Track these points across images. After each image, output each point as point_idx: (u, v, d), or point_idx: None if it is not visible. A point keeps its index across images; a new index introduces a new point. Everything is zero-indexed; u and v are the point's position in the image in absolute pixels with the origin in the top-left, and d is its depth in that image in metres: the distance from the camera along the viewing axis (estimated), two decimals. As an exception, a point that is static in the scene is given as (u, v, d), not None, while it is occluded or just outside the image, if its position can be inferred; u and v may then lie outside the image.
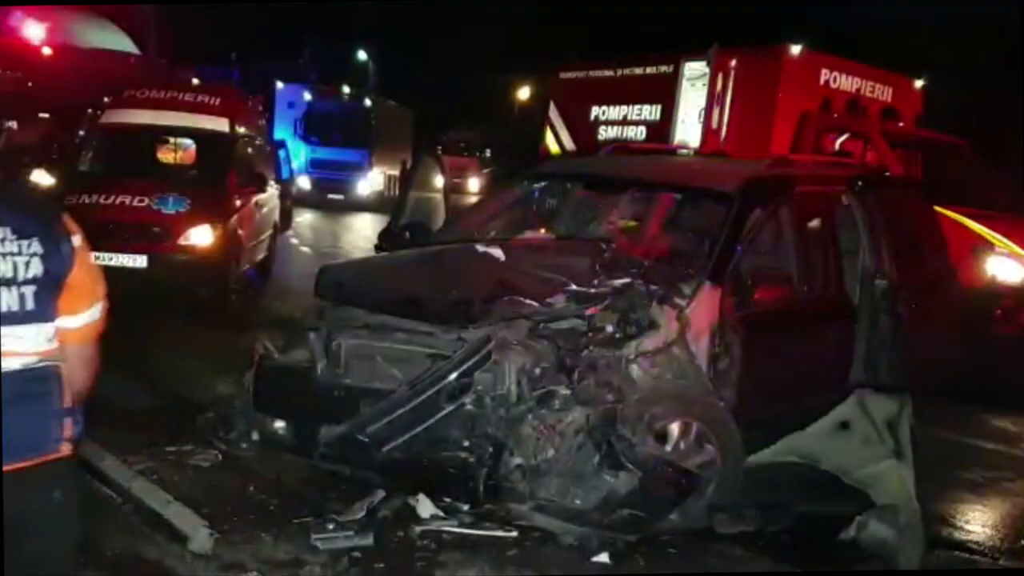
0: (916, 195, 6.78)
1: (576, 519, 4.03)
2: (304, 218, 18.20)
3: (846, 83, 10.28)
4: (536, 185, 6.20)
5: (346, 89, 26.15)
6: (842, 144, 9.50)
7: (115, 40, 15.99)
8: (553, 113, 12.59)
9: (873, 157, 9.01)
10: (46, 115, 13.38)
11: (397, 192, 23.85)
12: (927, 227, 6.52)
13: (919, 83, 11.11)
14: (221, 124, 9.82)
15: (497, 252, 4.84)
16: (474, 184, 28.47)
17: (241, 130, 10.20)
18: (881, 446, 4.33)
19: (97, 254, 8.11)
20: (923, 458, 4.38)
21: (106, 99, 11.02)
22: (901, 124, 10.20)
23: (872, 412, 4.38)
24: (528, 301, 4.39)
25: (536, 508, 4.04)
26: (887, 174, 7.48)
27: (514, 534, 4.08)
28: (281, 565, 3.73)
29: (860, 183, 5.76)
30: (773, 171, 5.48)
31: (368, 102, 25.81)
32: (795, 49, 9.91)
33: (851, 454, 4.42)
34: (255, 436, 4.67)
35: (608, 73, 11.92)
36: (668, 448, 4.36)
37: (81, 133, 11.51)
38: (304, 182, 21.84)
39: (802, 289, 5.23)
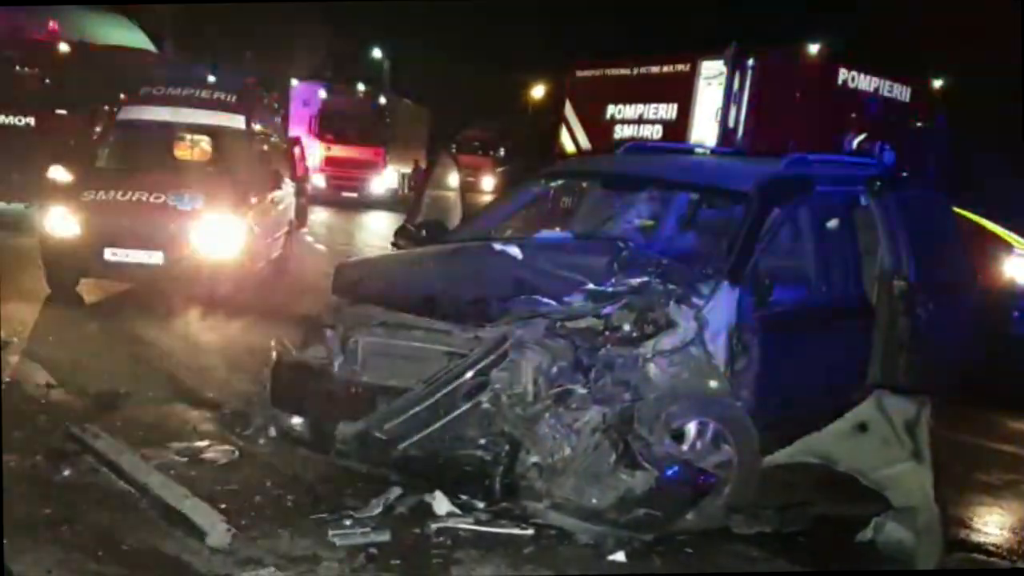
0: (935, 195, 6.73)
1: (592, 518, 4.02)
2: (318, 216, 18.24)
3: (864, 83, 10.24)
4: (553, 184, 6.19)
5: (361, 87, 26.21)
6: (860, 144, 9.47)
7: (132, 37, 16.04)
8: (569, 111, 12.59)
9: (889, 157, 8.97)
10: (63, 112, 13.44)
11: (410, 190, 23.95)
12: (946, 228, 6.48)
13: (937, 83, 11.06)
14: (237, 121, 9.84)
15: (514, 250, 4.83)
16: (488, 183, 28.48)
17: (257, 127, 10.23)
18: (899, 448, 4.30)
19: (114, 250, 8.36)
20: (941, 460, 4.35)
21: (122, 96, 11.07)
22: (920, 125, 10.15)
23: (890, 413, 4.35)
24: (545, 300, 4.39)
25: (552, 506, 4.04)
26: (905, 174, 7.43)
27: (530, 532, 4.06)
28: (298, 561, 3.73)
29: (879, 183, 5.73)
30: (791, 170, 5.45)
31: (383, 100, 25.89)
32: (813, 49, 9.89)
33: (869, 455, 4.39)
34: (272, 432, 4.70)
35: (624, 71, 11.92)
36: (685, 448, 4.34)
37: (98, 130, 11.57)
38: (318, 180, 21.90)
39: (820, 289, 5.20)
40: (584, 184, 6.43)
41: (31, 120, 13.39)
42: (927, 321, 5.57)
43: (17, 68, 13.75)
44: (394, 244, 5.98)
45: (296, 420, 4.65)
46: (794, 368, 4.83)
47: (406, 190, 25.09)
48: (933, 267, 5.84)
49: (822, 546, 4.38)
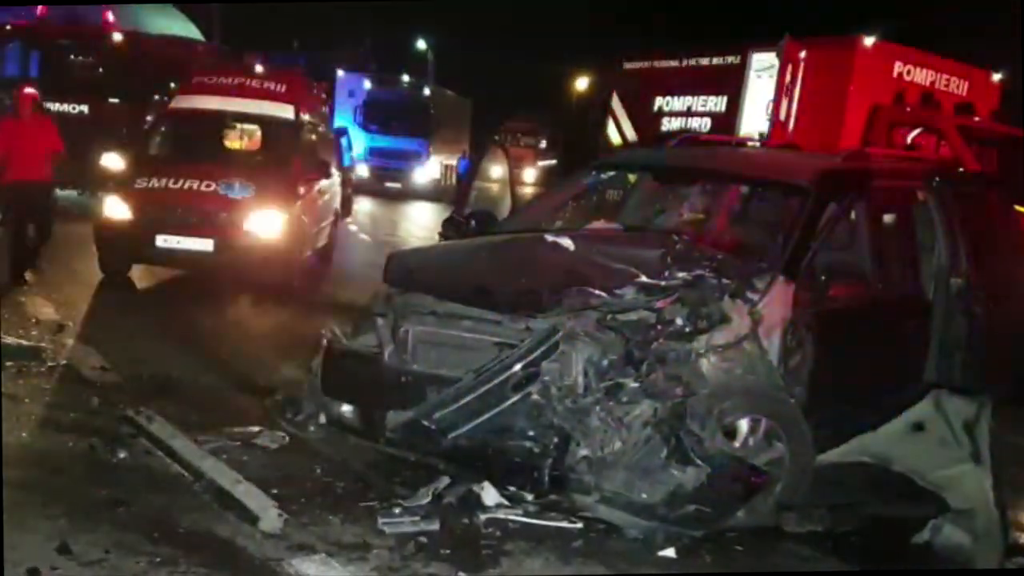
0: (994, 192, 6.58)
1: (642, 513, 3.97)
2: (362, 206, 18.34)
3: (920, 76, 10.06)
4: (604, 175, 6.15)
5: (405, 78, 26.32)
6: (915, 139, 9.30)
7: (182, 27, 16.27)
8: (615, 103, 12.50)
9: (947, 152, 8.79)
10: (116, 100, 13.66)
11: (454, 181, 24.00)
12: (1005, 225, 6.33)
13: (997, 76, 10.81)
14: (287, 111, 9.95)
15: (566, 242, 4.80)
16: (530, 175, 28.41)
17: (306, 117, 10.31)
18: (958, 449, 4.22)
19: (165, 237, 8.50)
20: (1000, 462, 4.25)
21: (173, 85, 11.23)
22: (977, 119, 9.93)
23: (949, 413, 4.26)
24: (597, 292, 4.34)
25: (601, 500, 3.99)
26: (963, 170, 7.29)
27: (579, 525, 4.04)
28: (348, 547, 3.75)
29: (937, 179, 5.61)
30: (849, 164, 5.36)
31: (427, 91, 25.98)
32: (868, 41, 9.73)
33: (926, 456, 4.31)
34: (322, 419, 4.71)
35: (673, 63, 11.83)
36: (737, 444, 4.29)
37: (150, 119, 11.74)
38: (362, 170, 22.03)
39: (877, 286, 5.11)
40: (632, 176, 6.37)
41: (85, 108, 13.64)
42: (985, 320, 5.44)
43: (72, 57, 14.01)
44: (442, 235, 5.98)
45: (346, 408, 4.66)
46: (849, 365, 4.74)
47: (448, 181, 25.15)
48: (992, 264, 5.71)
49: (875, 547, 4.30)
